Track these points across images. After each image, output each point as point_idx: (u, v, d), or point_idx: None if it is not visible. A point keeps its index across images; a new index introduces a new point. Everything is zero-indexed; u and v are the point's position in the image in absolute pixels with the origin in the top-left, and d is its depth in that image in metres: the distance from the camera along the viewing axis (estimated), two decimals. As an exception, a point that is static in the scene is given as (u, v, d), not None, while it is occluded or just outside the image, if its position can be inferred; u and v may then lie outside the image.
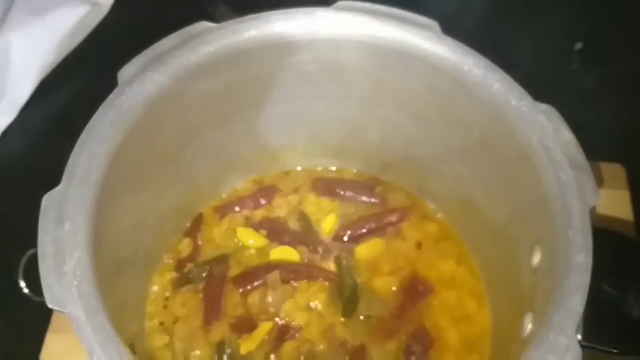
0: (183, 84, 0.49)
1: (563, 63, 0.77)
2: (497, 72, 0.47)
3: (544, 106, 0.46)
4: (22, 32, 0.73)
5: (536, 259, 0.46)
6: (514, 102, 0.46)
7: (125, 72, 0.47)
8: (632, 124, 0.71)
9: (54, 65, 0.76)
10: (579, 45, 0.77)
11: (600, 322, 0.39)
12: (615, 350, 0.40)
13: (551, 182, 0.43)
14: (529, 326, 0.42)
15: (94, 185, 0.43)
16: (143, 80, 0.47)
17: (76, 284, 0.39)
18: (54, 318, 0.57)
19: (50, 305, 0.38)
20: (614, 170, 0.65)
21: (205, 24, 0.50)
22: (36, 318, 0.55)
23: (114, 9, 0.80)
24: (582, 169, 0.43)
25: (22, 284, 0.46)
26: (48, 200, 0.42)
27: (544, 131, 0.45)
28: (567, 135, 0.45)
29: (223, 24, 0.50)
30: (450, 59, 0.49)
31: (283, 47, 0.51)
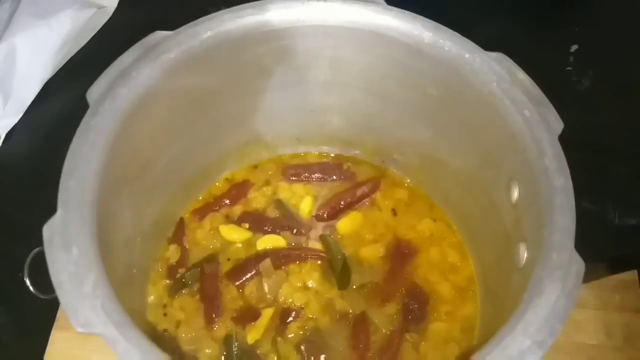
0: (151, 94, 0.49)
1: (558, 64, 0.79)
2: (447, 31, 0.50)
3: (495, 54, 0.49)
4: (28, 34, 0.74)
5: (515, 194, 0.49)
6: (467, 56, 0.49)
7: (94, 92, 0.47)
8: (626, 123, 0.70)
9: (58, 67, 0.77)
10: (574, 47, 0.79)
11: (587, 235, 0.42)
12: (604, 259, 0.43)
13: (517, 121, 0.47)
14: (524, 255, 0.46)
15: (90, 208, 0.43)
16: (113, 98, 0.47)
17: (100, 304, 0.39)
18: (59, 315, 0.57)
19: (80, 330, 0.38)
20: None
21: (160, 33, 0.50)
22: (41, 315, 0.56)
23: (118, 11, 0.81)
24: (542, 103, 0.47)
25: (28, 282, 0.45)
26: (49, 230, 0.41)
27: (500, 76, 0.48)
28: (521, 76, 0.48)
29: (178, 30, 0.50)
30: (400, 27, 0.51)
31: (237, 44, 0.52)
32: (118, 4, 0.81)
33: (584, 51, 0.79)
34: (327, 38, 0.53)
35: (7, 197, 0.63)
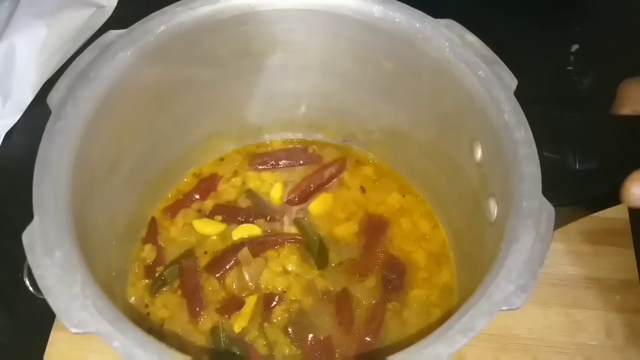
0: (111, 94, 0.49)
1: (559, 64, 0.79)
2: (396, 3, 0.51)
3: (444, 21, 0.51)
4: (27, 34, 0.73)
5: (478, 154, 0.51)
6: (418, 25, 0.51)
7: (54, 97, 0.47)
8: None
9: (58, 66, 0.76)
10: (575, 47, 0.79)
11: (551, 182, 0.44)
12: (568, 201, 0.45)
13: (473, 82, 0.48)
14: (495, 209, 0.48)
15: (65, 212, 0.43)
16: (75, 100, 0.47)
17: (91, 303, 0.39)
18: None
19: (74, 331, 0.38)
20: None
21: (114, 32, 0.50)
22: (41, 316, 0.56)
23: (117, 11, 0.80)
24: (494, 62, 0.48)
25: (27, 282, 0.45)
26: (29, 237, 0.41)
27: (452, 41, 0.50)
28: (471, 38, 0.50)
29: (131, 27, 0.50)
30: (350, 4, 0.52)
31: (191, 36, 0.52)
32: (117, 3, 0.81)
33: (584, 51, 0.80)
34: (280, 23, 0.54)
35: (7, 198, 0.64)
